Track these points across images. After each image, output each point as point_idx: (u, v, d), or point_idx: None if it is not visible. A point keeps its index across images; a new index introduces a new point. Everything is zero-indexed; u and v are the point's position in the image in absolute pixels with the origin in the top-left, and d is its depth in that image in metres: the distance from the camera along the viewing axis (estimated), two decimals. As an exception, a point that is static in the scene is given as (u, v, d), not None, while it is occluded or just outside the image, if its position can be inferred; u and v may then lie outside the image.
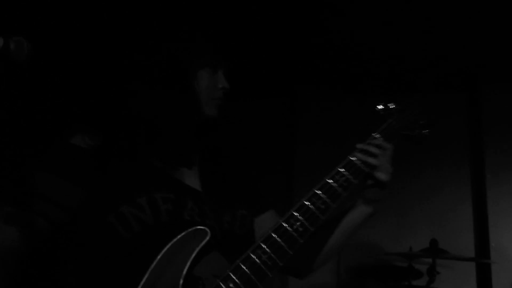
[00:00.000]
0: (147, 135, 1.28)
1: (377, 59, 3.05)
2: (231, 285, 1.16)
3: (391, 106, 1.47)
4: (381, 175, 1.36)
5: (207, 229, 1.18)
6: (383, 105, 1.48)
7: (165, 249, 1.16)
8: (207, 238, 1.17)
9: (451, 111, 3.15)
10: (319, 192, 1.26)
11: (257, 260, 1.17)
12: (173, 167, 1.31)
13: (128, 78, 1.34)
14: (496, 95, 3.11)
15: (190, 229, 1.18)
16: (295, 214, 1.23)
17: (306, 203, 1.25)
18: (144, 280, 1.13)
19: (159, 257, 1.15)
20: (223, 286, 1.15)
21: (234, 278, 1.16)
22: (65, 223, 1.22)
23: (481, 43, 2.89)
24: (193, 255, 1.16)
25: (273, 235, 1.20)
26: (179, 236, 1.17)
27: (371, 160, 1.35)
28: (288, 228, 1.22)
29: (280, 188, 3.25)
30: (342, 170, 1.31)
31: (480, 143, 3.11)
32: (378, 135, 1.40)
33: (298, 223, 1.23)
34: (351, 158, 1.33)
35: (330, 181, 1.28)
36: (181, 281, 1.13)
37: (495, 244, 2.94)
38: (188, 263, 1.15)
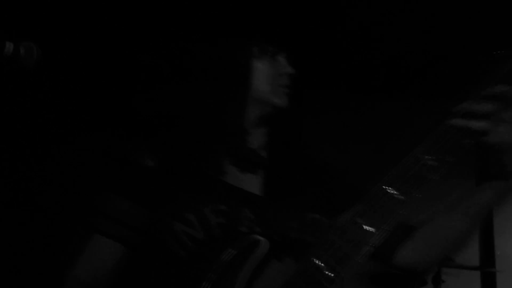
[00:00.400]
0: (202, 139, 1.24)
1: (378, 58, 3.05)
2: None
3: None
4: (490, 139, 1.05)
5: (264, 240, 1.09)
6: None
7: (218, 264, 1.09)
8: (265, 250, 1.09)
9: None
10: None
11: None
12: (227, 172, 1.23)
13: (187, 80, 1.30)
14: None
15: (244, 242, 1.10)
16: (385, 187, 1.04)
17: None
18: None
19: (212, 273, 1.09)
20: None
21: None
22: (136, 244, 1.22)
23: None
24: (249, 270, 1.08)
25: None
26: (231, 251, 1.09)
27: (474, 123, 1.04)
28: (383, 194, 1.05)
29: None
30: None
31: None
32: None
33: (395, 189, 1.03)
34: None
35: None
36: None
37: (500, 252, 2.94)
38: (245, 280, 1.07)
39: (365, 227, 1.04)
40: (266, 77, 1.28)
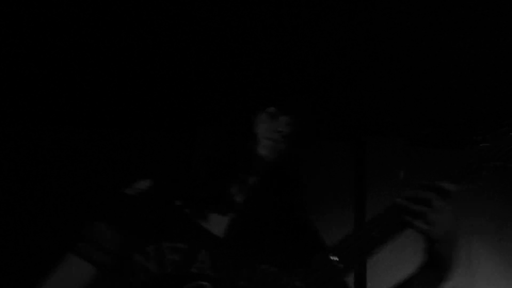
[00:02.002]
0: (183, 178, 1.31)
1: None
2: None
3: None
4: (420, 224, 1.14)
5: (209, 285, 1.15)
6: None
7: None
8: None
9: (339, 159, 3.43)
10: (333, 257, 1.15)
11: None
12: (198, 211, 1.28)
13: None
14: (378, 147, 3.42)
15: (190, 284, 1.16)
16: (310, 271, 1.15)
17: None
18: None
19: None
20: None
21: None
22: (108, 267, 1.28)
23: (368, 100, 3.17)
24: None
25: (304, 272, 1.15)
26: None
27: (415, 206, 1.14)
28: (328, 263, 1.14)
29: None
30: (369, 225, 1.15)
31: (363, 189, 3.39)
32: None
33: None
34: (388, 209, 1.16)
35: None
36: None
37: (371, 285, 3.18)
38: None
39: None
40: (260, 131, 1.35)
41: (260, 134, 1.34)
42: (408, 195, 1.17)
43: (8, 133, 3.15)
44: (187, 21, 2.46)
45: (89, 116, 3.14)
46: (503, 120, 1.23)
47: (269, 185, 1.37)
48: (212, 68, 2.61)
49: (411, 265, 1.29)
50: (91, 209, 1.35)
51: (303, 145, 1.39)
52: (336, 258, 1.14)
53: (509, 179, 3.25)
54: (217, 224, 1.29)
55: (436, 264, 1.21)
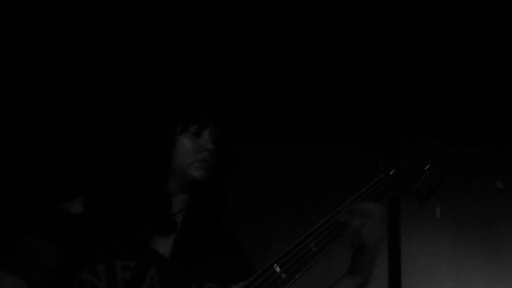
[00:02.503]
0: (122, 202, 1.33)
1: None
2: None
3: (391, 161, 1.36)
4: (365, 236, 1.27)
5: None
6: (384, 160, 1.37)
7: None
8: None
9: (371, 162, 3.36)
10: (279, 263, 1.21)
11: None
12: (145, 232, 1.31)
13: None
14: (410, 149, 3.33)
15: None
16: (254, 280, 1.20)
17: (274, 267, 1.21)
18: None
19: None
20: None
21: None
22: (44, 284, 1.27)
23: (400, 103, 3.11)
24: None
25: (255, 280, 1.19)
26: None
27: (354, 220, 1.27)
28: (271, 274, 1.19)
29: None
30: (319, 228, 1.24)
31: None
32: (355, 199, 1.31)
33: (283, 268, 1.20)
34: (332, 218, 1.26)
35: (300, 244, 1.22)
36: None
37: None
38: None
39: None
40: (187, 151, 1.40)
41: (187, 157, 1.39)
42: (346, 208, 1.28)
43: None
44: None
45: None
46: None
47: (203, 202, 1.42)
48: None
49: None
50: (27, 224, 1.33)
51: (228, 151, 1.45)
52: (278, 269, 1.20)
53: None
54: (161, 244, 1.33)
55: (364, 270, 1.32)
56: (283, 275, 1.18)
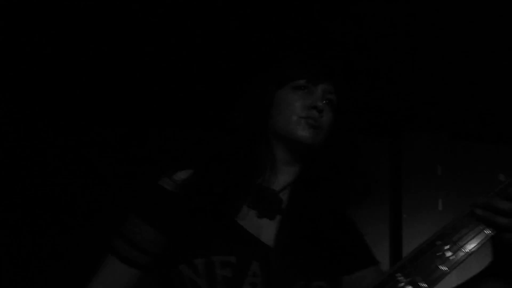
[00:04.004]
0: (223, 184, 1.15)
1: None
2: None
3: None
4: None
5: None
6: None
7: None
8: None
9: (375, 155, 3.39)
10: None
11: None
12: (246, 216, 1.14)
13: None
14: (416, 143, 3.37)
15: None
16: (397, 275, 0.97)
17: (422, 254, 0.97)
18: None
19: None
20: None
21: None
22: (150, 267, 1.20)
23: (406, 93, 3.13)
24: None
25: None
26: None
27: (499, 219, 0.98)
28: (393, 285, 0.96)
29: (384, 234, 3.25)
30: (455, 234, 0.97)
31: (399, 186, 3.35)
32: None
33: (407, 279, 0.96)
34: (467, 218, 0.99)
35: (439, 242, 0.96)
36: None
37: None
38: None
39: None
40: (293, 107, 1.19)
41: (291, 114, 1.18)
42: (487, 202, 1.01)
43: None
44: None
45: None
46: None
47: (316, 176, 1.21)
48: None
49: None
50: (130, 205, 1.25)
51: (345, 122, 1.23)
52: (401, 278, 0.97)
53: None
54: (266, 229, 1.17)
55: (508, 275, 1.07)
56: (408, 286, 0.96)
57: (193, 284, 1.10)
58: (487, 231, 0.99)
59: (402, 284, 0.96)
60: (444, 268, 0.96)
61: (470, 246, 0.98)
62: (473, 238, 0.99)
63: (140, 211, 1.21)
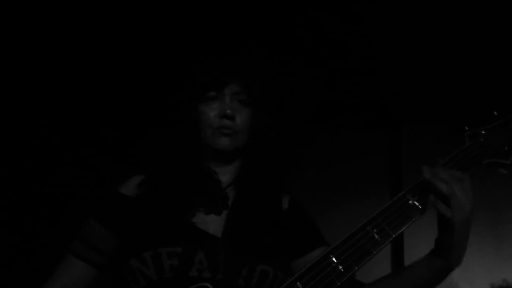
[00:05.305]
0: (163, 180, 1.26)
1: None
2: None
3: (480, 130, 1.19)
4: (447, 211, 1.10)
5: (210, 286, 1.12)
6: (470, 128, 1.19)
7: None
8: None
9: (374, 147, 3.37)
10: (368, 226, 1.08)
11: None
12: (192, 211, 1.23)
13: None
14: (416, 135, 3.35)
15: (192, 287, 1.12)
16: (338, 249, 1.07)
17: (353, 237, 1.08)
18: None
19: None
20: None
21: None
22: (105, 266, 1.30)
23: (405, 85, 3.11)
24: None
25: (307, 273, 1.06)
26: None
27: (442, 185, 1.09)
28: (326, 266, 1.06)
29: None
30: (409, 195, 1.10)
31: (399, 177, 3.33)
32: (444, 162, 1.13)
33: (339, 260, 1.08)
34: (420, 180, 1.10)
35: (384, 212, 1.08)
36: None
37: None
38: None
39: None
40: (207, 119, 1.28)
41: (207, 127, 1.27)
42: (434, 171, 1.11)
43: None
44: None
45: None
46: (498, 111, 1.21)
47: (252, 175, 1.29)
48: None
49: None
50: (85, 207, 1.34)
51: (267, 116, 1.28)
52: (334, 259, 1.07)
53: None
54: (213, 223, 1.25)
55: (447, 252, 1.14)
56: (340, 267, 1.06)
57: (143, 275, 1.18)
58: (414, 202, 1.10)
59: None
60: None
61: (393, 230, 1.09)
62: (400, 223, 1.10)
63: (96, 214, 1.31)
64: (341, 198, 3.30)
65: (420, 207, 1.12)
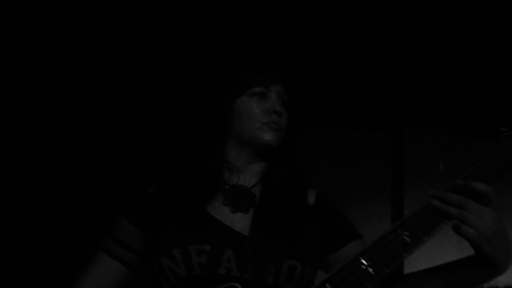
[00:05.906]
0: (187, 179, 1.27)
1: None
2: None
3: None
4: (467, 231, 1.04)
5: (239, 286, 1.14)
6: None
7: None
8: None
9: (376, 149, 3.37)
10: (399, 229, 1.05)
11: None
12: (219, 210, 1.25)
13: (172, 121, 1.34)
14: (418, 137, 3.35)
15: (220, 287, 1.15)
16: (369, 251, 1.07)
17: (384, 240, 1.06)
18: None
19: None
20: None
21: None
22: (135, 265, 1.31)
23: (407, 88, 3.12)
24: None
25: (337, 275, 1.07)
26: None
27: (451, 210, 1.06)
28: (356, 268, 1.07)
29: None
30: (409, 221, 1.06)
31: (400, 181, 3.34)
32: (463, 179, 1.06)
33: (369, 262, 1.07)
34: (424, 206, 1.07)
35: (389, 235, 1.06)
36: None
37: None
38: None
39: None
40: (254, 115, 1.30)
41: (254, 121, 1.29)
42: (441, 195, 1.08)
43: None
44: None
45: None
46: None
47: (282, 171, 1.32)
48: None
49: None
50: (117, 207, 1.35)
51: (298, 121, 1.33)
52: (364, 262, 1.07)
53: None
54: (240, 221, 1.26)
55: (487, 265, 1.09)
56: (370, 270, 1.06)
57: (173, 272, 1.20)
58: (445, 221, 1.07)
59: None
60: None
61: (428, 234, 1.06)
62: (431, 226, 1.07)
63: (126, 213, 1.33)
64: (342, 200, 3.29)
65: None
